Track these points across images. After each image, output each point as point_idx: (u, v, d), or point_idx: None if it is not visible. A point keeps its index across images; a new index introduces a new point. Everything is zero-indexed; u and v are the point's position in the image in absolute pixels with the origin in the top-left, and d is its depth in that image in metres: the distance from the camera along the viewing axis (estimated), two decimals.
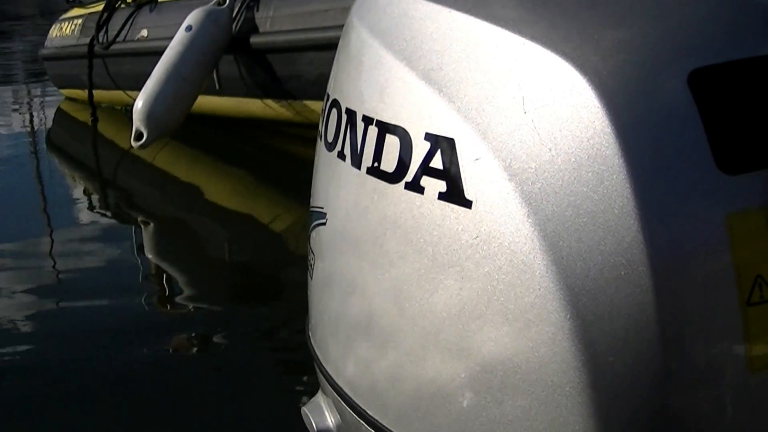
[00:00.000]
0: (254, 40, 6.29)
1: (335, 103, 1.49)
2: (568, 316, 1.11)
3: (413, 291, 1.25)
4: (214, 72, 6.57)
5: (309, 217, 1.60)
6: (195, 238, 5.04)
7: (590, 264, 1.10)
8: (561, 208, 1.11)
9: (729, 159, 1.09)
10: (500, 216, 1.15)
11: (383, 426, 1.36)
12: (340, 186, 1.44)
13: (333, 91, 1.52)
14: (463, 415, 1.24)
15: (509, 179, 1.15)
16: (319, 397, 1.63)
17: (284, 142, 6.81)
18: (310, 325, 1.64)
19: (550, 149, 1.13)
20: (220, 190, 6.10)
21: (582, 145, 1.11)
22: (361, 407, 1.41)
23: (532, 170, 1.14)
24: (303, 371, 2.83)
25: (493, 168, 1.17)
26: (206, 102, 6.66)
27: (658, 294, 1.08)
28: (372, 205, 1.33)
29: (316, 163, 1.60)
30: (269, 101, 6.50)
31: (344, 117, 1.44)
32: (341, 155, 1.43)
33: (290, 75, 6.15)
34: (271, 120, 6.71)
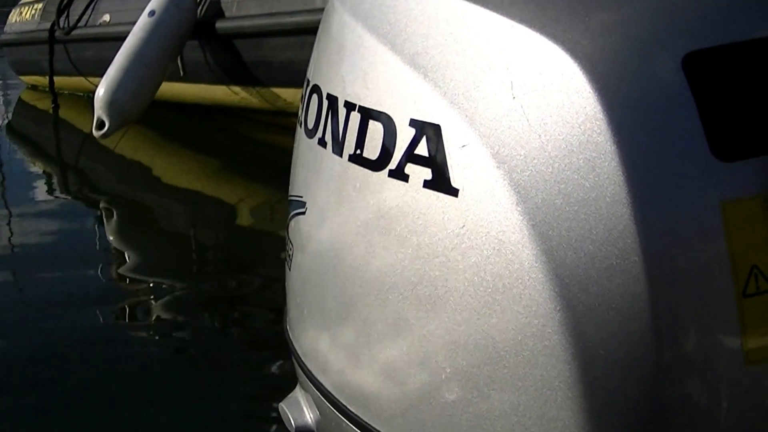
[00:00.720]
0: (220, 25, 6.26)
1: (316, 89, 1.47)
2: (558, 308, 1.10)
3: (397, 282, 1.24)
4: (179, 58, 6.53)
5: (287, 206, 1.59)
6: (158, 224, 5.02)
7: (581, 254, 1.09)
8: (551, 196, 1.11)
9: (724, 145, 1.08)
10: (488, 204, 1.14)
11: (365, 423, 1.34)
12: (320, 174, 1.42)
13: (313, 76, 1.50)
14: (449, 411, 1.23)
15: (497, 166, 1.14)
16: (298, 392, 1.62)
17: (250, 129, 6.78)
18: (287, 318, 1.63)
19: (539, 135, 1.12)
20: (184, 175, 6.07)
21: (573, 131, 1.10)
22: (342, 403, 1.40)
23: (521, 157, 1.13)
24: (275, 359, 2.82)
25: (480, 155, 1.15)
26: (170, 89, 6.62)
27: (651, 284, 1.07)
28: (354, 193, 1.32)
29: (295, 150, 1.58)
30: (235, 88, 6.47)
31: (325, 103, 1.42)
32: (322, 142, 1.41)
33: (257, 61, 6.13)
34: (237, 107, 6.68)
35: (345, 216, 1.33)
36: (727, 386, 1.11)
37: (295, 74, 5.68)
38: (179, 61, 6.55)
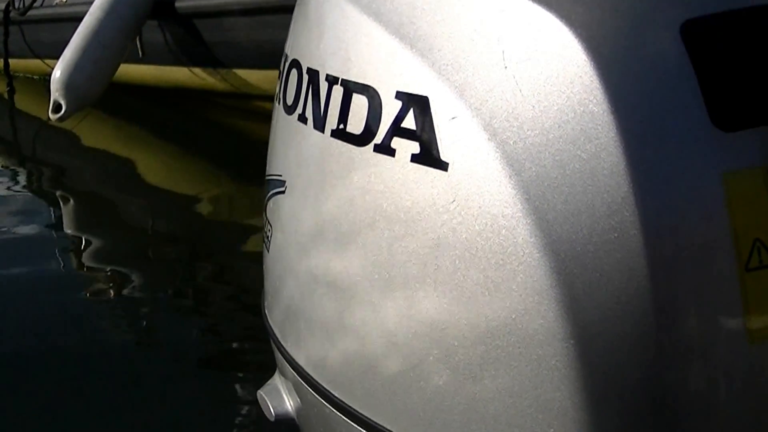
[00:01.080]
0: (180, 4, 6.20)
1: (295, 64, 1.44)
2: (554, 285, 1.08)
3: (383, 260, 1.22)
4: (137, 39, 6.46)
5: (265, 186, 1.56)
6: (119, 213, 4.99)
7: (578, 228, 1.07)
8: (546, 169, 1.09)
9: (725, 115, 1.07)
10: (479, 178, 1.12)
11: (351, 408, 1.32)
12: (300, 151, 1.40)
13: (292, 50, 1.48)
14: (439, 395, 1.21)
15: (489, 139, 1.12)
16: (276, 379, 1.59)
17: (211, 113, 6.73)
18: (266, 302, 1.60)
19: (533, 106, 1.10)
20: (144, 162, 6.02)
21: (568, 101, 1.08)
22: (324, 388, 1.38)
23: (514, 129, 1.11)
24: (247, 347, 2.80)
25: (470, 127, 1.13)
26: (129, 71, 6.56)
27: (650, 259, 1.06)
28: (337, 169, 1.29)
29: (273, 128, 1.55)
30: (196, 69, 6.42)
31: (305, 78, 1.40)
32: (302, 118, 1.39)
33: (219, 41, 6.08)
34: (198, 89, 6.63)
35: (327, 193, 1.31)
36: (729, 366, 1.09)
37: (259, 55, 5.65)
38: (138, 42, 6.49)
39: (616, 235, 1.06)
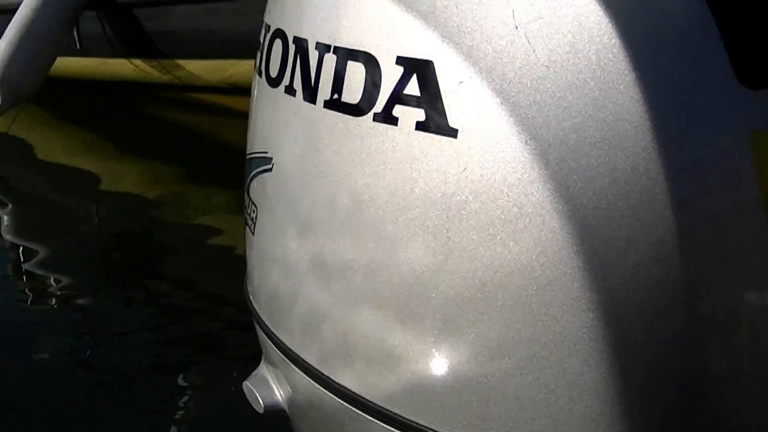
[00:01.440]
0: None
1: (279, 34, 1.40)
2: (577, 253, 1.05)
3: (389, 233, 1.18)
4: (74, 30, 6.35)
5: (246, 166, 1.52)
6: (57, 213, 4.87)
7: (600, 193, 1.04)
8: (564, 132, 1.06)
9: (751, 72, 1.05)
10: (492, 144, 1.09)
11: (346, 389, 1.28)
12: (289, 125, 1.35)
13: (273, 20, 1.43)
14: (452, 373, 1.17)
15: (501, 104, 1.09)
16: (263, 369, 1.55)
17: (152, 106, 6.64)
18: (250, 287, 1.55)
19: (547, 67, 1.07)
20: (83, 159, 5.91)
21: (585, 61, 1.05)
22: (316, 369, 1.33)
23: (528, 91, 1.08)
24: (198, 348, 2.76)
25: (480, 92, 1.10)
26: (66, 63, 6.43)
27: (677, 224, 1.03)
28: (332, 141, 1.25)
29: (253, 104, 1.51)
30: (137, 61, 6.32)
31: (291, 47, 1.35)
32: (290, 90, 1.34)
33: (160, 31, 5.98)
34: (139, 82, 6.52)
35: (321, 167, 1.27)
36: (758, 336, 1.07)
37: (202, 45, 5.58)
38: (75, 34, 6.37)
39: (641, 197, 1.03)
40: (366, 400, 1.26)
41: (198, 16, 5.51)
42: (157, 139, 6.09)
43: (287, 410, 1.48)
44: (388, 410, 1.23)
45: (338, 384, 1.30)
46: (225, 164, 5.14)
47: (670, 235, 1.03)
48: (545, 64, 1.07)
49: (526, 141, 1.07)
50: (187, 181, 5.08)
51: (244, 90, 5.58)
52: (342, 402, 1.30)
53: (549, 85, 1.06)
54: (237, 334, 2.81)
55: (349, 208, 1.23)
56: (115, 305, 3.42)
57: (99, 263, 3.99)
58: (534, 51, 1.07)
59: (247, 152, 1.52)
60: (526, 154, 1.07)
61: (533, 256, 1.07)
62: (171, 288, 3.55)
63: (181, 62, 5.93)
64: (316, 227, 1.30)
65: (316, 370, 1.34)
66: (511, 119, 1.08)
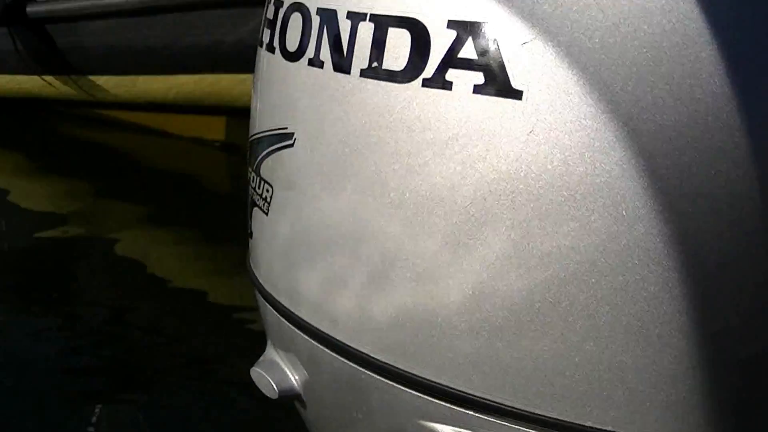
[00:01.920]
0: (31, 9, 5.96)
1: (296, 7, 1.35)
2: (662, 219, 1.02)
3: (441, 201, 1.14)
4: None
5: (255, 146, 1.46)
6: None
7: (683, 153, 1.02)
8: (641, 90, 1.03)
9: None
10: (561, 106, 1.06)
11: (381, 362, 1.24)
12: (315, 97, 1.30)
13: None
14: (491, 346, 1.14)
15: (570, 64, 1.06)
16: (272, 353, 1.49)
17: (64, 124, 6.51)
18: (260, 272, 1.49)
19: (618, 27, 1.04)
20: None
21: (663, 19, 1.03)
22: (339, 341, 1.29)
23: (598, 50, 1.05)
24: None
25: (546, 53, 1.07)
26: None
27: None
28: (370, 110, 1.21)
29: (264, 81, 1.46)
30: (49, 78, 6.18)
31: (315, 19, 1.31)
32: (316, 62, 1.30)
33: (73, 47, 5.87)
34: (51, 99, 6.38)
35: (358, 136, 1.23)
36: None
37: (116, 61, 5.49)
38: None
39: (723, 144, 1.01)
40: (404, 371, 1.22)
41: (111, 32, 5.43)
42: (66, 155, 5.95)
43: (302, 393, 1.42)
44: (437, 382, 1.19)
45: (370, 356, 1.25)
46: (137, 180, 5.09)
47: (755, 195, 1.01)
48: (614, 23, 1.05)
49: (597, 101, 1.04)
50: (98, 196, 4.97)
51: (155, 105, 5.46)
52: (372, 374, 1.26)
53: (621, 45, 1.04)
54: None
55: (400, 178, 1.18)
56: (23, 322, 3.32)
57: (7, 282, 3.88)
58: (603, 12, 1.05)
59: (255, 132, 1.47)
60: (599, 114, 1.04)
61: (610, 224, 1.04)
62: (83, 305, 3.46)
63: (93, 78, 5.84)
64: (354, 198, 1.25)
65: (344, 344, 1.29)
66: (582, 80, 1.05)
